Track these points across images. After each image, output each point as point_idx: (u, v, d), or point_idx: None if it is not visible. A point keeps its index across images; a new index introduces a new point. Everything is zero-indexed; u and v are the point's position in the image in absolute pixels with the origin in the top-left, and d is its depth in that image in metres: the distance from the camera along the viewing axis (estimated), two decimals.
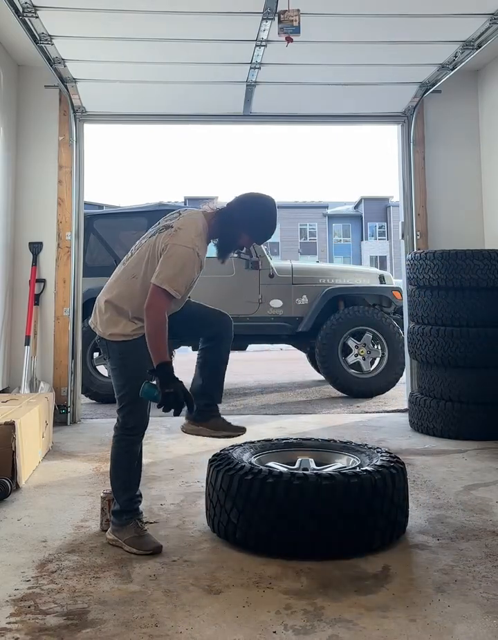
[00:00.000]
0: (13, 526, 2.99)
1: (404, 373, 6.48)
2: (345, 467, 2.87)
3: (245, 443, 3.24)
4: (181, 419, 5.60)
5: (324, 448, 3.20)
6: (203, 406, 2.90)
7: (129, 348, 2.75)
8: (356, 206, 45.97)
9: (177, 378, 2.58)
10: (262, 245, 7.33)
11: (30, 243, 5.67)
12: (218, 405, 3.02)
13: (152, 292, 2.62)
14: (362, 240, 44.45)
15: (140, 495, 2.88)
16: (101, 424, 5.57)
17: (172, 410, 2.56)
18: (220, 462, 2.85)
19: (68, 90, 5.43)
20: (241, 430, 2.93)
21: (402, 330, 6.42)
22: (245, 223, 2.82)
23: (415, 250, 5.74)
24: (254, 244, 3.08)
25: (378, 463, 2.77)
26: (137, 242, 2.94)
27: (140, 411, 2.79)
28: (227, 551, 2.65)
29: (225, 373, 3.06)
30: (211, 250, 2.96)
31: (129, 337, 2.75)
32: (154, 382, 2.58)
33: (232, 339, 3.04)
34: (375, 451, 3.00)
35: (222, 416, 2.99)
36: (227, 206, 2.90)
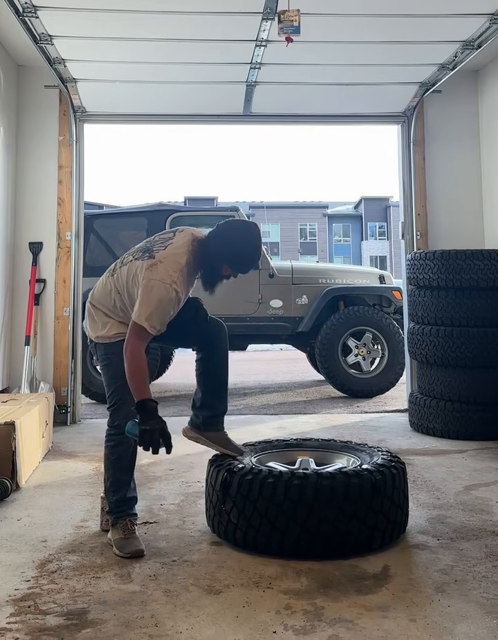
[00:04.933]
0: (13, 527, 2.99)
1: (404, 373, 6.48)
2: (345, 467, 2.87)
3: (245, 443, 3.24)
4: (182, 420, 5.60)
5: (324, 448, 3.20)
6: (206, 418, 2.91)
7: (114, 349, 2.75)
8: (356, 207, 45.94)
9: (158, 417, 2.56)
10: (262, 246, 7.35)
11: (30, 243, 5.67)
12: (223, 417, 2.97)
13: (131, 330, 2.64)
14: (362, 240, 44.42)
15: (134, 499, 2.85)
16: (101, 424, 5.54)
17: (151, 449, 2.52)
18: (220, 462, 2.85)
19: (68, 90, 5.43)
20: (237, 452, 2.93)
21: (402, 330, 6.42)
22: (224, 254, 2.75)
23: (415, 250, 5.74)
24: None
25: (378, 463, 2.77)
26: (127, 254, 2.91)
27: (125, 410, 2.74)
28: (227, 551, 2.65)
29: (227, 381, 3.00)
30: None
31: (111, 340, 2.79)
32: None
33: (227, 343, 2.98)
34: (375, 451, 3.00)
35: (225, 431, 2.98)
36: (207, 236, 2.82)
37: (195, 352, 3.00)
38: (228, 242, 2.75)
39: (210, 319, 2.98)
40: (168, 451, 2.57)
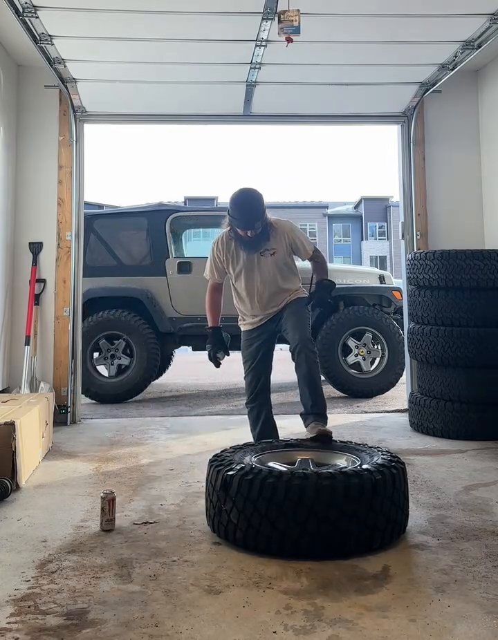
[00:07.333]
0: (13, 526, 2.99)
1: (404, 373, 6.48)
2: (345, 467, 2.87)
3: (245, 443, 3.24)
4: (182, 419, 5.60)
5: (324, 448, 3.20)
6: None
7: (242, 337, 3.95)
8: (356, 207, 45.93)
9: (218, 341, 3.81)
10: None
11: (30, 243, 5.67)
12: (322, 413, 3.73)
13: None
14: (362, 240, 44.42)
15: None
16: (101, 424, 5.57)
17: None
18: (220, 462, 2.85)
19: (68, 90, 5.43)
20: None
21: (402, 330, 6.42)
22: (230, 216, 3.59)
23: (415, 250, 5.74)
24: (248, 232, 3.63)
25: (378, 463, 2.77)
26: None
27: (247, 383, 3.92)
28: (227, 551, 2.65)
29: (317, 385, 3.88)
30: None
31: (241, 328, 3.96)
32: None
33: (309, 352, 3.81)
34: (375, 451, 3.00)
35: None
36: None
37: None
38: (229, 205, 3.59)
39: (299, 330, 3.85)
40: (216, 365, 3.85)
